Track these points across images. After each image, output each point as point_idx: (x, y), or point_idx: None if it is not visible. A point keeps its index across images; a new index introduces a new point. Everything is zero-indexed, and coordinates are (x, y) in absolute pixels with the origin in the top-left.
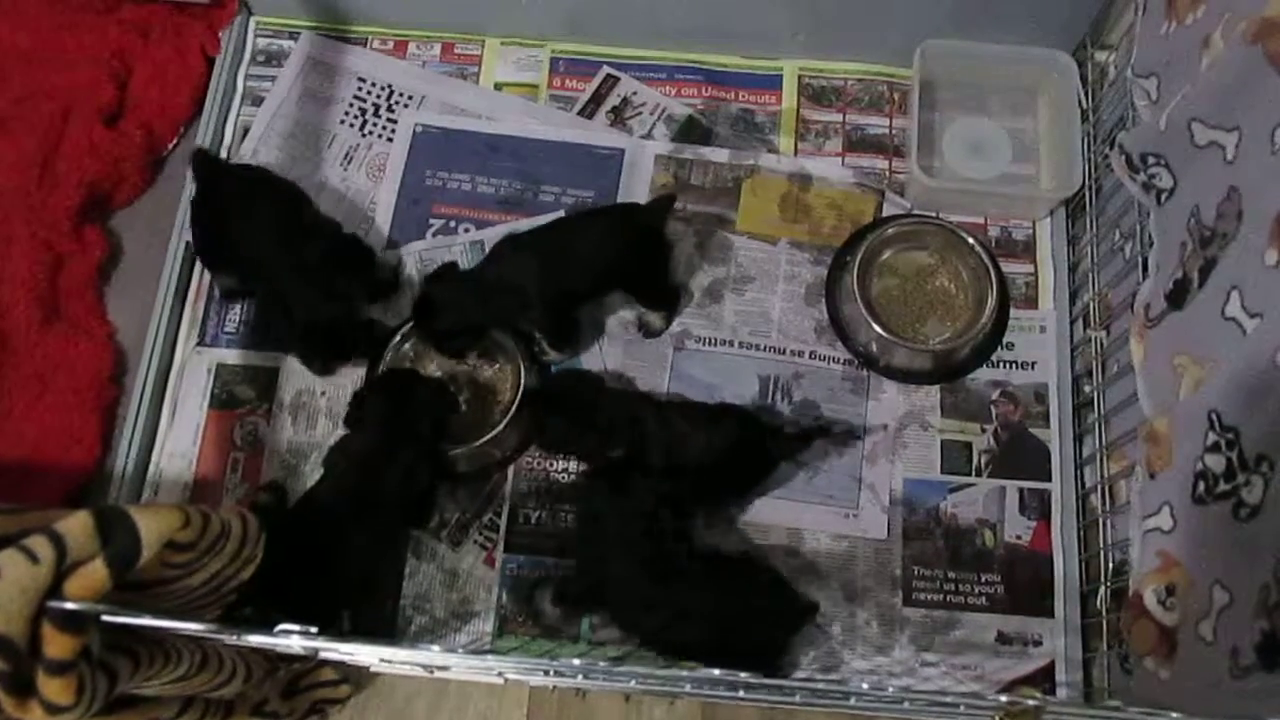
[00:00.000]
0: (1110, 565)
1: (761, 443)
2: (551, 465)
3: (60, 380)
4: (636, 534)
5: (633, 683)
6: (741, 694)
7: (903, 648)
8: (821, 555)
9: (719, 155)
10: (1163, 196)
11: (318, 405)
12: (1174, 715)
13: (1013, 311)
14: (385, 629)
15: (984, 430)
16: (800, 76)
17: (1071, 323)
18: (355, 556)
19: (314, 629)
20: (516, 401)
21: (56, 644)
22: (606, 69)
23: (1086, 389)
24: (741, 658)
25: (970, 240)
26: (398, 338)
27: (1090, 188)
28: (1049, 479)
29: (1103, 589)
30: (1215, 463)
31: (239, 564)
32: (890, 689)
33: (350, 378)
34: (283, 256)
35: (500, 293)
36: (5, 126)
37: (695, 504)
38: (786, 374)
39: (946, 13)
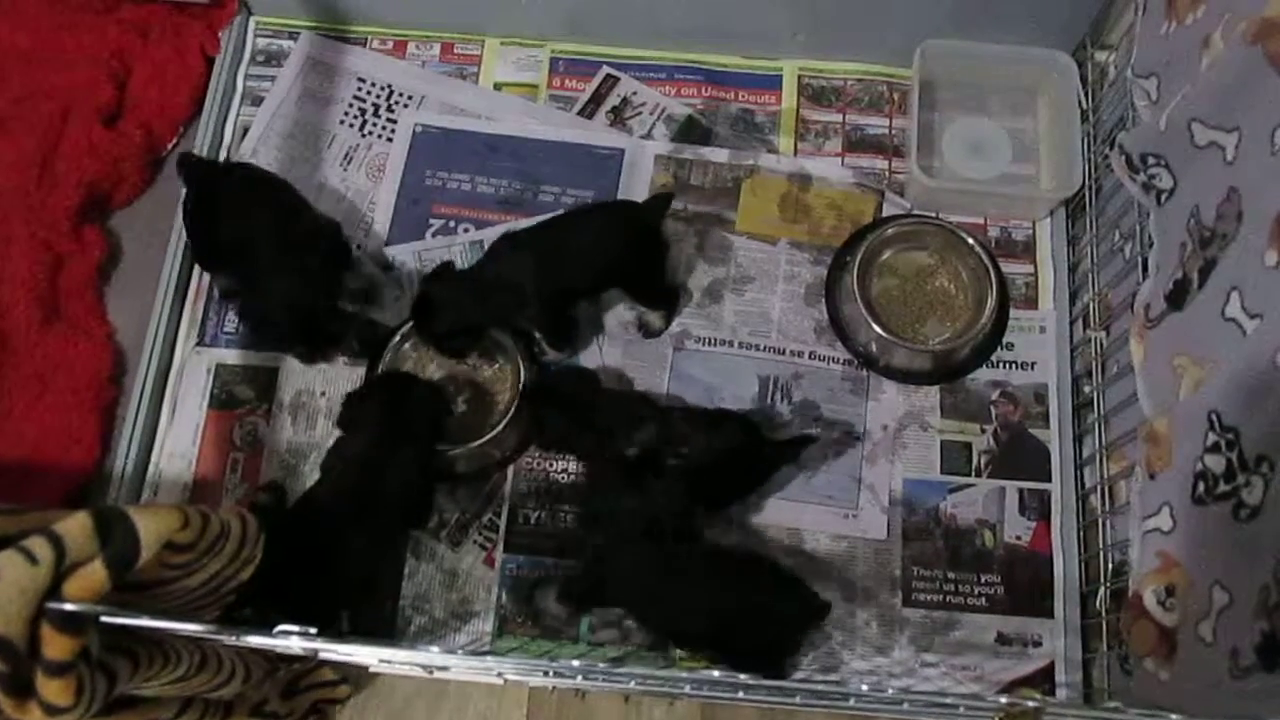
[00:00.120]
0: (1110, 566)
1: (759, 449)
2: (551, 466)
3: (60, 380)
4: (649, 529)
5: (632, 683)
6: (741, 695)
7: (902, 648)
8: (821, 556)
9: (719, 155)
10: (1163, 197)
11: (317, 405)
12: (1173, 716)
13: (1012, 312)
14: (385, 629)
15: (984, 431)
16: (800, 76)
17: (1071, 323)
18: (354, 557)
19: (313, 630)
20: (516, 402)
21: (55, 645)
22: (606, 69)
23: (1086, 389)
24: (751, 654)
25: (970, 240)
26: (397, 338)
27: (1090, 188)
28: (1049, 479)
29: (1102, 589)
30: (1215, 463)
31: (238, 564)
32: (890, 690)
33: (350, 378)
34: (262, 242)
35: (498, 291)
36: (4, 126)
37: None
38: (786, 374)
39: (946, 13)
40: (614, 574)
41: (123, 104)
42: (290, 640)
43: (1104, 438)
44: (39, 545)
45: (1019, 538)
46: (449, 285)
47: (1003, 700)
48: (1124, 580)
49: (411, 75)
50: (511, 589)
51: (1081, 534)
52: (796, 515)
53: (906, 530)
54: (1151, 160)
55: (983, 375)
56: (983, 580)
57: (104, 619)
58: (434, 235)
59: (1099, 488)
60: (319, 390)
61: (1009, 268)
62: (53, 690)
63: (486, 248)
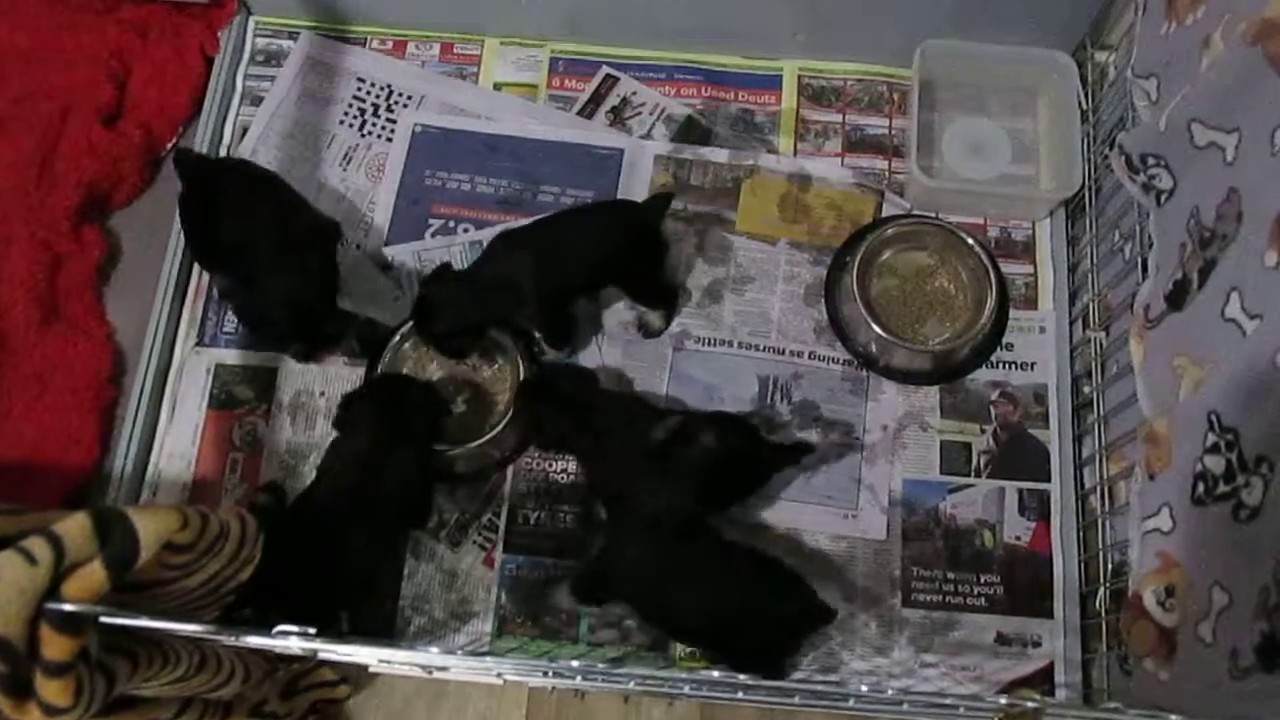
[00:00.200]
0: (1109, 566)
1: (757, 453)
2: (551, 466)
3: (59, 381)
4: (662, 514)
5: (631, 684)
6: (740, 695)
7: (902, 649)
8: (820, 556)
9: (718, 155)
10: (1162, 197)
11: (316, 406)
12: (1173, 717)
13: (1012, 312)
14: (384, 630)
15: (983, 431)
16: (800, 77)
17: (1071, 323)
18: (352, 557)
19: (312, 630)
20: (516, 402)
21: (54, 645)
22: (606, 69)
23: (1086, 390)
24: (751, 654)
25: (970, 241)
26: (397, 338)
27: (1090, 188)
28: (1048, 480)
29: (1102, 590)
30: (1215, 464)
31: (237, 565)
32: (889, 690)
33: (350, 378)
34: (260, 240)
35: (496, 290)
36: (4, 126)
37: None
38: (786, 374)
39: (946, 13)
40: (621, 562)
41: (122, 104)
42: (289, 641)
43: (1104, 438)
44: (38, 546)
45: (1018, 538)
46: (447, 286)
47: (1002, 701)
48: (1124, 580)
49: (411, 75)
50: (511, 589)
51: (1081, 534)
52: (796, 515)
53: (906, 530)
54: (1151, 161)
55: (982, 375)
56: (982, 580)
57: (103, 619)
58: (433, 235)
59: (1099, 488)
60: (318, 390)
61: (1009, 268)
62: (52, 691)
63: (485, 247)
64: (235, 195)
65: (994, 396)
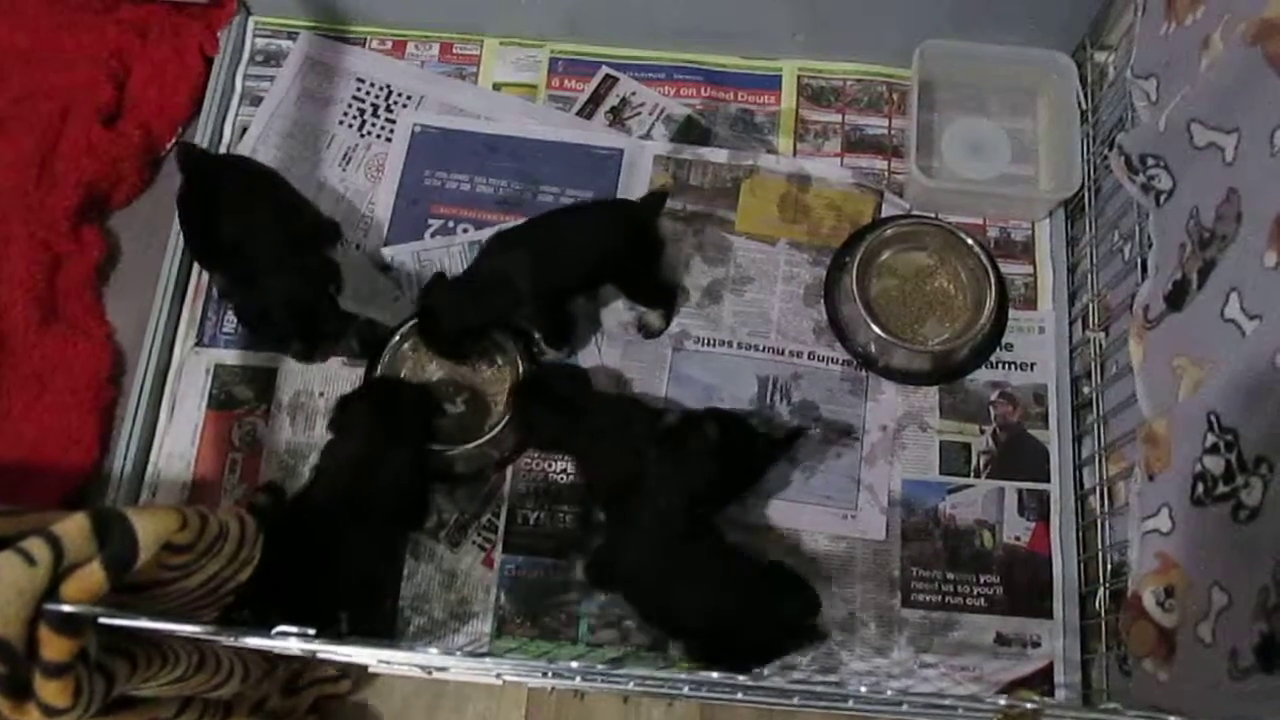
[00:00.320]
0: (1109, 566)
1: (751, 447)
2: (550, 466)
3: (58, 381)
4: (661, 519)
5: (631, 684)
6: (740, 695)
7: (901, 649)
8: (819, 556)
9: (718, 155)
10: (1162, 198)
11: (316, 406)
12: (1172, 718)
13: (1012, 312)
14: (384, 630)
15: (983, 431)
16: (799, 77)
17: (1070, 324)
18: (350, 558)
19: (311, 630)
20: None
21: (53, 646)
22: (605, 69)
23: (1085, 390)
24: (744, 653)
25: (969, 241)
26: (397, 338)
27: (1089, 189)
28: (1048, 480)
29: (1101, 590)
30: (1214, 464)
31: (237, 565)
32: (888, 691)
33: (350, 378)
34: (260, 238)
35: (494, 290)
36: (3, 126)
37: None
38: (785, 375)
39: (945, 13)
40: (621, 560)
41: (122, 104)
42: (289, 641)
43: (1103, 438)
44: (37, 546)
45: (1018, 538)
46: (446, 293)
47: (1001, 701)
48: (1123, 581)
49: (410, 75)
50: (510, 590)
51: (1081, 535)
52: (795, 516)
53: (905, 531)
54: (1151, 161)
55: (982, 376)
56: (982, 581)
57: (102, 620)
58: (433, 235)
59: (1098, 488)
60: (318, 391)
61: (1008, 268)
62: (51, 691)
63: (481, 247)
64: (235, 193)
65: (993, 397)
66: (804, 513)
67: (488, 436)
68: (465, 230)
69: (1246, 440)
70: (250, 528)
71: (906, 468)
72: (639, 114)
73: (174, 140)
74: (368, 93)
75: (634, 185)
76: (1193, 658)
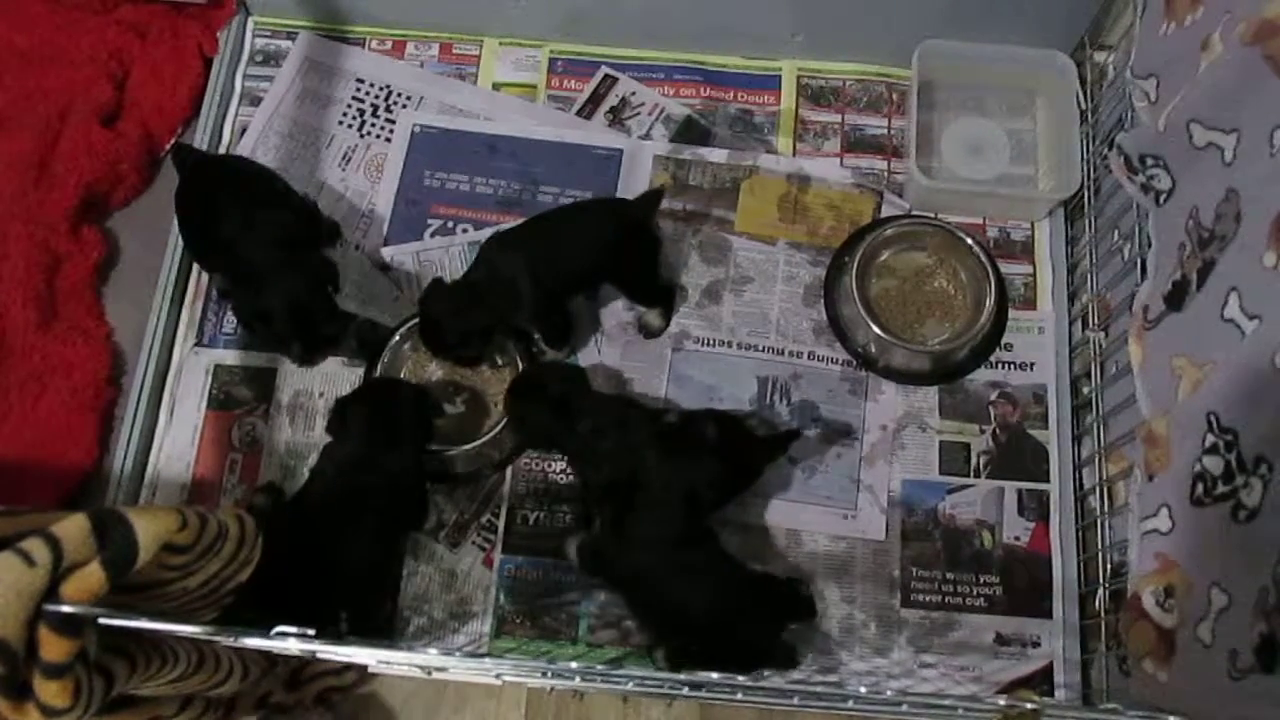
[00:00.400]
0: (1109, 567)
1: (748, 447)
2: (550, 466)
3: (58, 381)
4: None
5: (630, 684)
6: (739, 696)
7: (901, 649)
8: (819, 556)
9: (717, 155)
10: (1161, 198)
11: (315, 406)
12: (1171, 718)
13: (1011, 312)
14: (384, 630)
15: (982, 431)
16: (799, 77)
17: (1070, 324)
18: (350, 558)
19: (311, 631)
20: None
21: (53, 647)
22: (605, 69)
23: (1085, 390)
24: (741, 650)
25: (969, 241)
26: (396, 338)
27: (1089, 189)
28: (1047, 480)
29: (1101, 590)
30: (1214, 464)
31: (236, 566)
32: (888, 691)
33: (350, 379)
34: (259, 238)
35: (492, 292)
36: (3, 126)
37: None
38: (785, 375)
39: (945, 13)
40: (622, 550)
41: (121, 104)
42: (288, 642)
43: (1103, 439)
44: (36, 547)
45: (1018, 538)
46: (443, 298)
47: (1001, 701)
48: (1123, 581)
49: (410, 75)
50: (510, 590)
51: (1080, 535)
52: (795, 516)
53: (905, 531)
54: (1150, 161)
55: (981, 376)
56: (981, 581)
57: (102, 621)
58: (433, 236)
59: (1098, 488)
60: (317, 391)
61: (1008, 268)
62: (50, 692)
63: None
64: (233, 193)
65: (993, 397)
66: (804, 513)
67: (487, 437)
68: (465, 230)
69: (1246, 440)
70: (250, 528)
71: (906, 468)
72: (638, 114)
73: (173, 140)
74: (367, 93)
75: (634, 185)
76: (1192, 658)
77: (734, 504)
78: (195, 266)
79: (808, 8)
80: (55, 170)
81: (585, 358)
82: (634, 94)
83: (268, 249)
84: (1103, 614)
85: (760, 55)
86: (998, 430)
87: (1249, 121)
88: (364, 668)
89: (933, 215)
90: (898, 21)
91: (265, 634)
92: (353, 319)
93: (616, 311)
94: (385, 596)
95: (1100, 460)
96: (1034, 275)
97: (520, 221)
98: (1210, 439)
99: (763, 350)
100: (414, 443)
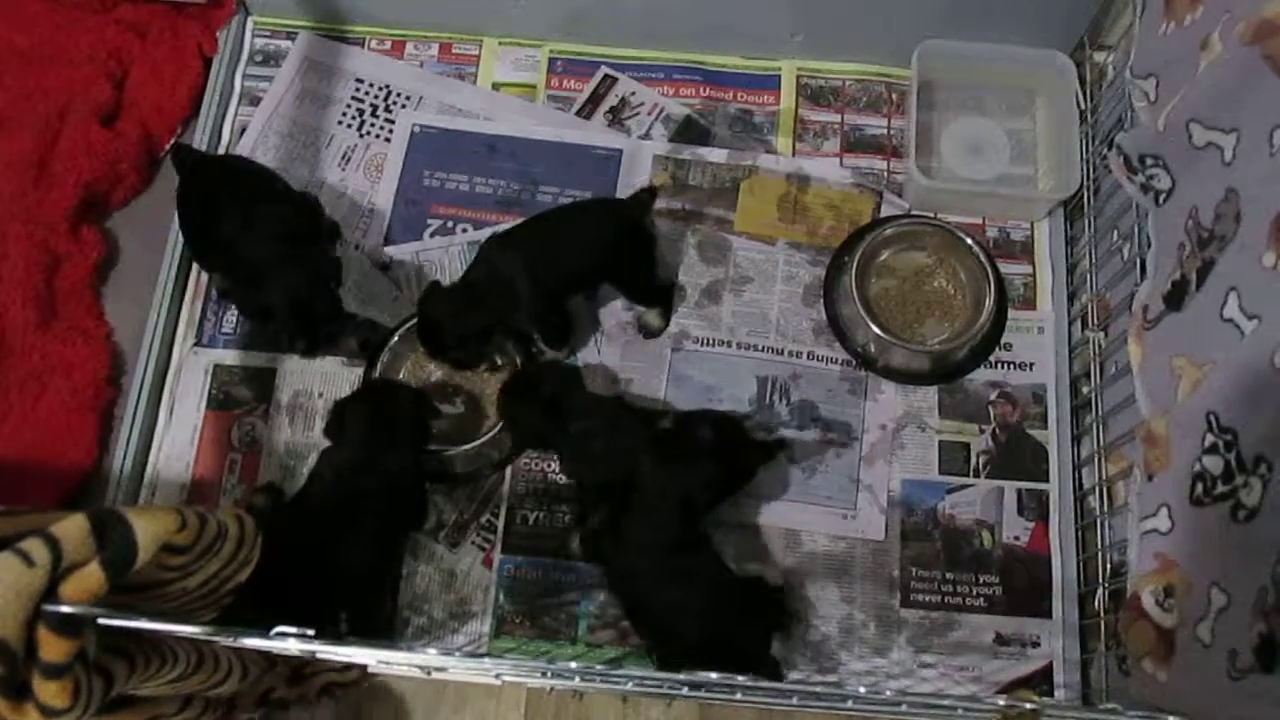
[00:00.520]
0: (1108, 566)
1: (742, 448)
2: (549, 466)
3: (57, 381)
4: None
5: (629, 684)
6: (739, 696)
7: (900, 649)
8: (819, 556)
9: (717, 155)
10: (1161, 198)
11: (315, 406)
12: (1171, 718)
13: (1011, 312)
14: (384, 630)
15: (982, 431)
16: (798, 77)
17: (1070, 324)
18: (350, 558)
19: (311, 631)
20: None
21: (52, 647)
22: (604, 69)
23: (1084, 390)
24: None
25: (968, 241)
26: (396, 338)
27: (1088, 189)
28: (1047, 480)
29: (1101, 590)
30: (1213, 464)
31: (236, 566)
32: (887, 691)
33: (349, 379)
34: (260, 236)
35: (491, 293)
36: (2, 126)
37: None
38: (784, 374)
39: (944, 13)
40: (622, 549)
41: (120, 104)
42: (288, 642)
43: (1102, 438)
44: (36, 547)
45: (1017, 538)
46: (442, 301)
47: (1000, 701)
48: (1122, 581)
49: (409, 75)
50: (509, 590)
51: (1080, 534)
52: (794, 516)
53: (905, 531)
54: (1150, 161)
55: (981, 376)
56: (981, 581)
57: (101, 621)
58: (432, 236)
59: (1097, 488)
60: (317, 391)
61: (1007, 268)
62: (49, 692)
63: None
64: (233, 192)
65: (993, 397)
66: (803, 513)
67: (487, 437)
68: (464, 230)
69: (1246, 440)
70: (249, 528)
71: (906, 468)
72: (638, 114)
73: (173, 140)
74: (367, 93)
75: (633, 185)
76: (1192, 658)
77: (732, 504)
78: (195, 266)
79: (808, 8)
80: (55, 170)
81: (585, 358)
82: (633, 94)
83: (269, 244)
84: (1102, 614)
85: (760, 55)
86: (997, 430)
87: (1248, 121)
88: (365, 666)
89: (932, 215)
90: (897, 21)
91: (265, 634)
92: (353, 318)
93: (616, 311)
94: (385, 597)
95: (1100, 460)
96: (1033, 275)
97: (516, 223)
98: (1210, 439)
99: (762, 350)
100: (412, 444)
